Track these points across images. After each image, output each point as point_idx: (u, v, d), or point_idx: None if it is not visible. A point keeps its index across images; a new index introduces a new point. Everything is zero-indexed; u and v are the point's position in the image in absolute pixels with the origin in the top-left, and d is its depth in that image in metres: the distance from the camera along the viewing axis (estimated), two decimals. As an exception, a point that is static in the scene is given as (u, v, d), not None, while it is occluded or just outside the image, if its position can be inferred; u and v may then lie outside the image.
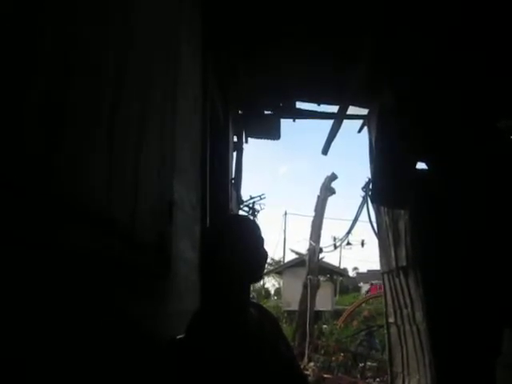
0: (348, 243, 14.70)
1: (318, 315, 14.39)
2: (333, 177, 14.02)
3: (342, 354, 11.42)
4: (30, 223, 0.80)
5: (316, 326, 13.53)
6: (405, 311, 5.67)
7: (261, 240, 1.64)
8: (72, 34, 0.95)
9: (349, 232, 12.42)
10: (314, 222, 13.95)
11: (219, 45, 3.41)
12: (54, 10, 0.88)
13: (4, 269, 0.73)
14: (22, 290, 0.79)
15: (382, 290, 6.71)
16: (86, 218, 1.02)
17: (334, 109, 5.62)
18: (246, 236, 1.60)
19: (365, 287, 27.65)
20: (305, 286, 13.22)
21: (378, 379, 9.78)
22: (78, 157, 1.00)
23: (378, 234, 6.53)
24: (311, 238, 13.73)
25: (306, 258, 13.75)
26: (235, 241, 1.57)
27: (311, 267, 13.39)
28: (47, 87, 0.86)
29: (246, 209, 6.85)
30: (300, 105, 5.72)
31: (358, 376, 10.37)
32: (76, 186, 0.99)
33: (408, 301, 5.52)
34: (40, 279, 0.85)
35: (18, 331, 0.77)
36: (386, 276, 6.30)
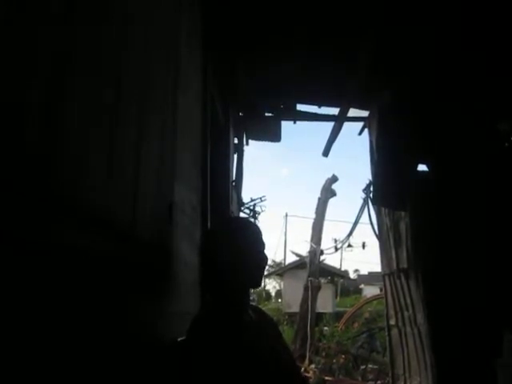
0: (349, 245, 14.72)
1: (318, 317, 14.35)
2: (333, 179, 14.01)
3: (343, 356, 11.38)
4: (30, 223, 0.79)
5: (317, 328, 13.50)
6: (406, 313, 5.66)
7: (262, 245, 1.63)
8: (72, 34, 0.95)
9: (350, 234, 12.45)
10: (314, 223, 13.94)
11: (219, 45, 3.41)
12: (53, 9, 0.88)
13: (4, 268, 0.73)
14: (23, 289, 0.79)
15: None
16: (85, 217, 1.02)
17: (335, 111, 5.63)
18: (250, 240, 1.60)
19: (366, 289, 27.61)
20: (306, 288, 13.20)
21: (379, 381, 9.74)
22: (78, 157, 1.00)
23: (379, 236, 6.53)
24: (312, 240, 13.71)
25: (307, 260, 13.73)
26: (238, 244, 1.57)
27: (312, 269, 13.36)
28: (47, 87, 0.86)
29: (247, 211, 6.84)
30: (300, 107, 5.73)
31: (360, 378, 10.33)
32: (76, 186, 0.98)
33: (409, 303, 5.51)
34: (40, 279, 0.84)
35: (18, 331, 0.77)
36: (386, 278, 6.29)
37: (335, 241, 15.10)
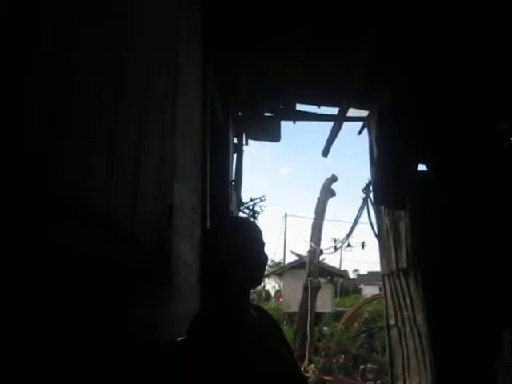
0: (348, 245, 14.70)
1: (318, 317, 14.34)
2: (333, 179, 14.01)
3: (342, 356, 11.38)
4: (30, 223, 0.79)
5: (316, 328, 13.49)
6: (405, 313, 5.66)
7: (262, 244, 1.63)
8: (72, 34, 0.95)
9: (349, 234, 12.45)
10: (314, 223, 13.94)
11: (219, 45, 3.41)
12: (53, 8, 0.88)
13: (3, 269, 0.72)
14: (22, 290, 0.79)
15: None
16: (85, 218, 1.01)
17: (334, 110, 5.62)
18: (250, 239, 1.59)
19: (365, 289, 27.63)
20: (305, 288, 13.19)
21: (378, 381, 9.74)
22: (78, 157, 1.00)
23: (379, 236, 6.52)
24: (311, 240, 13.71)
25: (307, 260, 13.72)
26: (237, 243, 1.56)
27: (311, 269, 13.36)
28: (47, 87, 0.86)
29: (247, 211, 6.83)
30: (300, 107, 5.73)
31: (359, 378, 10.33)
32: (76, 187, 0.98)
33: (408, 303, 5.51)
34: (40, 280, 0.84)
35: (18, 331, 0.77)
36: (386, 278, 6.29)
37: (335, 241, 15.11)
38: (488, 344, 4.25)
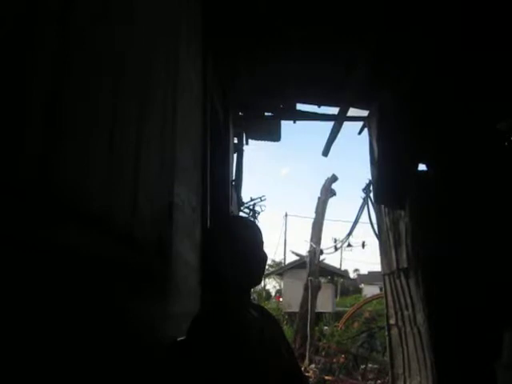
0: (349, 245, 14.71)
1: (318, 317, 14.37)
2: (333, 178, 14.03)
3: (342, 356, 11.40)
4: (29, 224, 0.79)
5: (317, 328, 13.51)
6: (406, 313, 5.66)
7: (261, 243, 1.64)
8: (72, 34, 0.95)
9: (349, 233, 12.46)
10: (314, 223, 13.95)
11: (220, 45, 3.41)
12: (53, 8, 0.88)
13: (3, 269, 0.72)
14: (21, 291, 0.79)
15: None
16: (85, 218, 1.02)
17: (335, 110, 5.62)
18: (250, 239, 1.60)
19: (366, 289, 27.64)
20: (305, 288, 13.21)
21: (379, 381, 9.75)
22: (78, 157, 1.00)
23: (379, 236, 6.52)
24: (312, 240, 13.72)
25: (307, 260, 13.74)
26: (238, 244, 1.57)
27: (312, 269, 13.38)
28: (47, 87, 0.86)
29: (247, 210, 6.84)
30: (300, 106, 5.73)
31: (359, 378, 10.34)
32: (75, 187, 0.98)
33: (409, 302, 5.51)
34: (39, 280, 0.84)
35: (18, 333, 0.77)
36: (386, 278, 6.29)
37: (335, 240, 15.11)
38: (488, 344, 4.25)
